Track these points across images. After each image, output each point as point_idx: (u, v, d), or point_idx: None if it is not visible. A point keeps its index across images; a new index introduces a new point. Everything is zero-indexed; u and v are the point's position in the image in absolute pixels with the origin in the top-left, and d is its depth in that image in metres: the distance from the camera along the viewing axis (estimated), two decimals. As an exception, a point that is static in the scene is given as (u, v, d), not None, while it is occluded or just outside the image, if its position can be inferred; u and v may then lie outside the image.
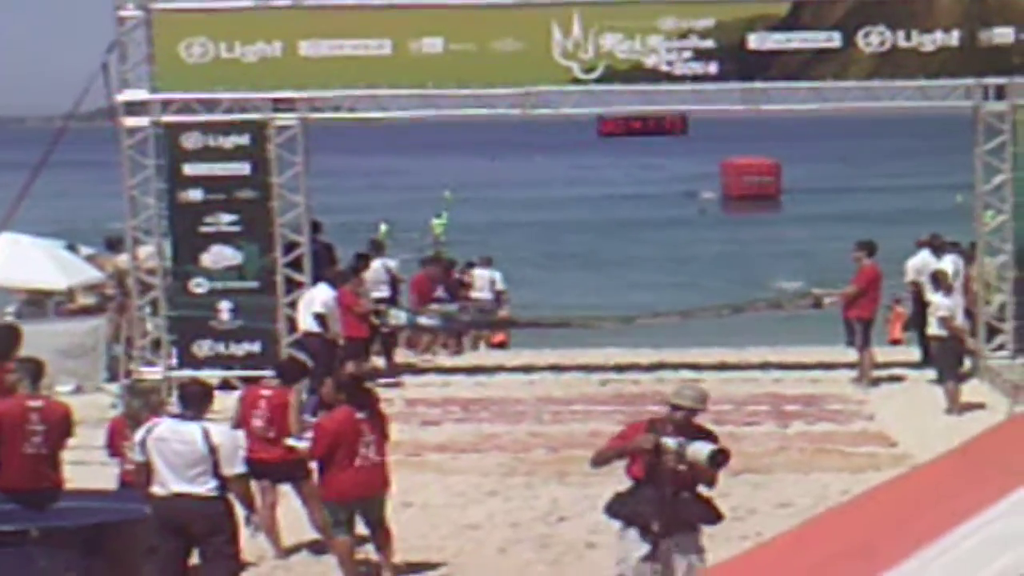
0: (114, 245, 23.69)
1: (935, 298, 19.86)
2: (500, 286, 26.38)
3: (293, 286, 21.29)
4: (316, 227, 22.56)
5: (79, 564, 10.68)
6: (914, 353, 22.54)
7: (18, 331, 13.88)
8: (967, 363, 20.88)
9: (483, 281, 26.28)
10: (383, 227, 54.89)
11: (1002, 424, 7.21)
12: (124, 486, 12.21)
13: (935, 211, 51.97)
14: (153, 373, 20.80)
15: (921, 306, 21.59)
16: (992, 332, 21.45)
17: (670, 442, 10.00)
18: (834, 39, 21.08)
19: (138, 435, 11.31)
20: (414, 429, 18.49)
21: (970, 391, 19.95)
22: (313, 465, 13.02)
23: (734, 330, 25.58)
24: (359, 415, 12.42)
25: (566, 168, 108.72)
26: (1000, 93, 21.19)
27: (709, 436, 10.37)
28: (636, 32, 21.05)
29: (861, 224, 45.88)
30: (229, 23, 21.11)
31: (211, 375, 18.70)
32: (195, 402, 11.42)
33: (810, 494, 15.45)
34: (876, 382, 21.11)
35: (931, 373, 20.69)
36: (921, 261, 22.34)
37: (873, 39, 21.01)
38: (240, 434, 12.15)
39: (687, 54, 21.07)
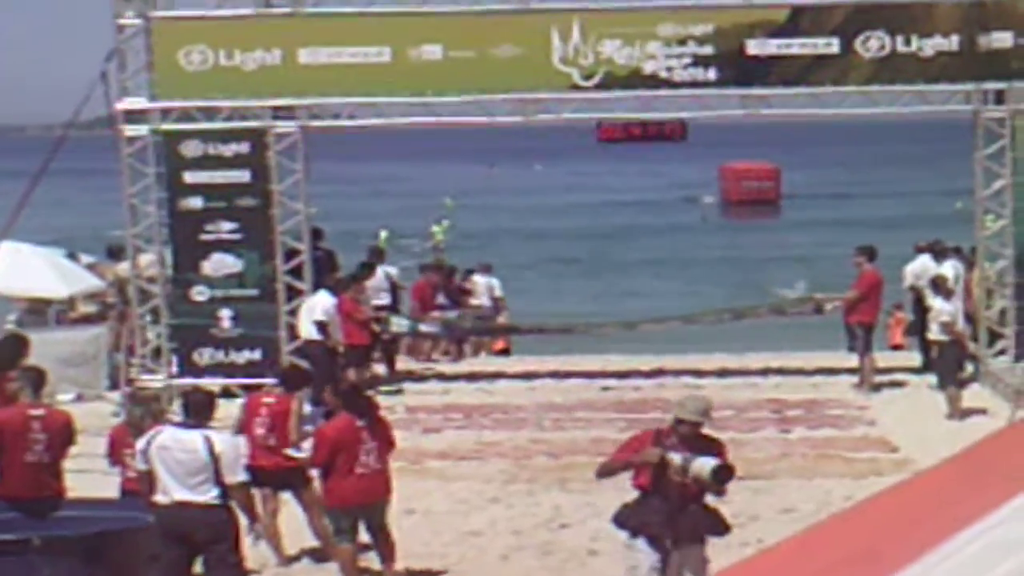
0: (115, 253, 23.69)
1: (936, 303, 19.86)
2: (497, 293, 26.39)
3: (294, 294, 21.30)
4: (318, 234, 22.57)
5: (81, 573, 10.70)
6: (915, 358, 22.53)
7: (25, 340, 13.89)
8: (968, 368, 20.87)
9: (482, 288, 26.30)
10: (383, 234, 54.82)
11: (1004, 430, 7.22)
12: (126, 495, 12.22)
13: (935, 216, 52.02)
14: (154, 381, 20.79)
15: (922, 311, 21.58)
16: (993, 337, 21.45)
17: (675, 457, 9.97)
18: (833, 45, 21.09)
19: (140, 443, 11.31)
20: (415, 436, 18.49)
21: (971, 396, 19.95)
22: (314, 473, 13.03)
23: (735, 336, 25.57)
24: (359, 423, 12.43)
25: (565, 175, 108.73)
26: (999, 98, 21.21)
27: (715, 446, 10.34)
28: (635, 38, 21.06)
29: (861, 229, 45.86)
30: (228, 31, 21.13)
31: (212, 383, 18.69)
32: (198, 410, 11.42)
33: (812, 500, 15.45)
34: (877, 387, 21.11)
35: (932, 378, 20.70)
36: (921, 266, 22.35)
37: (872, 44, 21.02)
38: (242, 441, 12.16)
39: (686, 60, 21.08)
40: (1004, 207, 21.32)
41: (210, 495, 11.05)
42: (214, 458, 11.03)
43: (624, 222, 70.12)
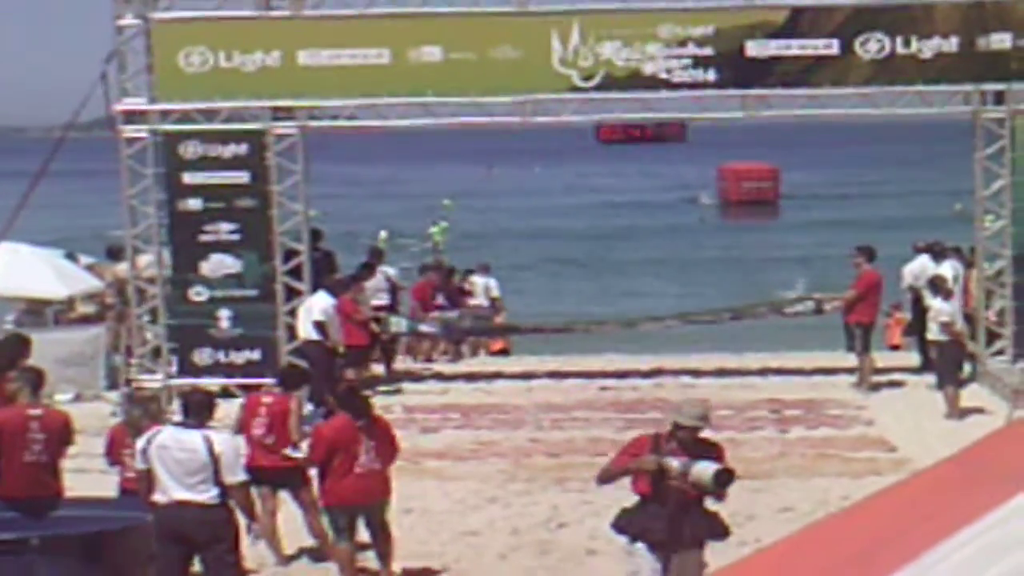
0: (115, 254, 23.71)
1: (935, 303, 19.87)
2: (495, 293, 26.40)
3: (293, 294, 21.30)
4: (316, 235, 22.58)
5: (79, 572, 10.70)
6: (913, 358, 22.55)
7: (26, 341, 13.90)
8: (967, 368, 20.88)
9: (480, 289, 26.31)
10: (383, 234, 54.78)
11: (1002, 429, 7.22)
12: (124, 494, 12.22)
13: (934, 217, 52.03)
14: (153, 381, 20.80)
15: (920, 311, 21.59)
16: (992, 337, 21.47)
17: (674, 463, 9.91)
18: (832, 46, 21.10)
19: (140, 443, 11.32)
20: (414, 436, 18.49)
21: (970, 396, 19.96)
22: (312, 473, 13.04)
23: (733, 336, 25.57)
24: (358, 422, 12.44)
25: (565, 176, 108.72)
26: (999, 99, 21.23)
27: (713, 449, 10.31)
28: (635, 40, 21.07)
29: (861, 230, 45.84)
30: (228, 32, 21.13)
31: (211, 383, 18.71)
32: (198, 410, 11.43)
33: (810, 499, 15.46)
34: (876, 387, 21.13)
35: (930, 378, 20.71)
36: (920, 266, 22.36)
37: (871, 46, 21.03)
38: (241, 441, 12.17)
39: (686, 61, 21.09)
40: (1003, 207, 21.34)
41: (209, 495, 11.06)
42: (213, 458, 11.04)
43: (623, 223, 70.11)
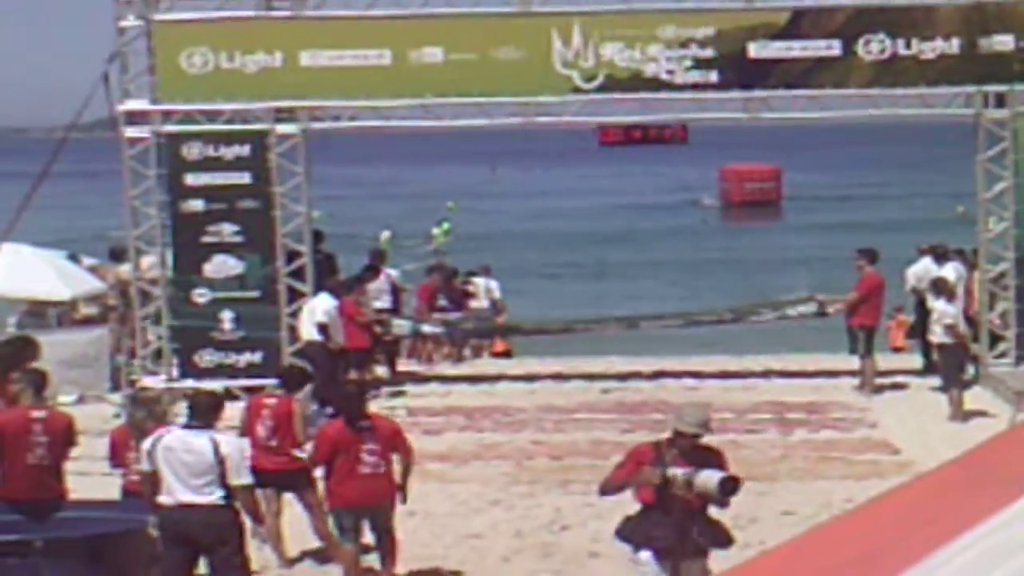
0: (119, 255, 23.71)
1: (939, 305, 19.84)
2: (496, 295, 26.41)
3: (295, 296, 21.30)
4: (318, 237, 22.57)
5: (83, 574, 10.71)
6: (916, 361, 22.54)
7: (31, 343, 13.89)
8: (970, 370, 20.87)
9: (482, 290, 26.33)
10: (386, 234, 54.83)
11: (1006, 432, 7.22)
12: (127, 496, 12.23)
13: (937, 219, 52.03)
14: (155, 383, 20.79)
15: (924, 314, 21.58)
16: (995, 339, 21.46)
17: (678, 473, 9.81)
18: (834, 47, 21.10)
19: (146, 444, 11.30)
20: (416, 438, 18.32)
21: (973, 398, 19.95)
22: (317, 474, 13.04)
23: (736, 338, 25.57)
24: (360, 423, 12.44)
25: (567, 177, 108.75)
26: (1000, 100, 21.22)
27: (715, 456, 10.25)
28: (636, 41, 21.07)
29: (863, 232, 45.86)
30: (230, 33, 21.14)
31: (213, 385, 18.69)
32: (205, 412, 11.42)
33: (813, 502, 15.45)
34: (879, 390, 21.12)
35: (933, 380, 20.70)
36: (923, 268, 22.34)
37: (873, 47, 21.03)
38: (246, 443, 12.17)
39: (687, 63, 21.09)
40: (1005, 209, 21.33)
41: (215, 497, 11.05)
42: (220, 460, 11.03)
43: (625, 225, 70.10)
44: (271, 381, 15.45)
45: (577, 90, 21.24)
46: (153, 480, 11.17)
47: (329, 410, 16.75)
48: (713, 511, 10.26)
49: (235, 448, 11.30)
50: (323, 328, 20.03)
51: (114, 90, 21.27)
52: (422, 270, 30.00)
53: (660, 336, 25.21)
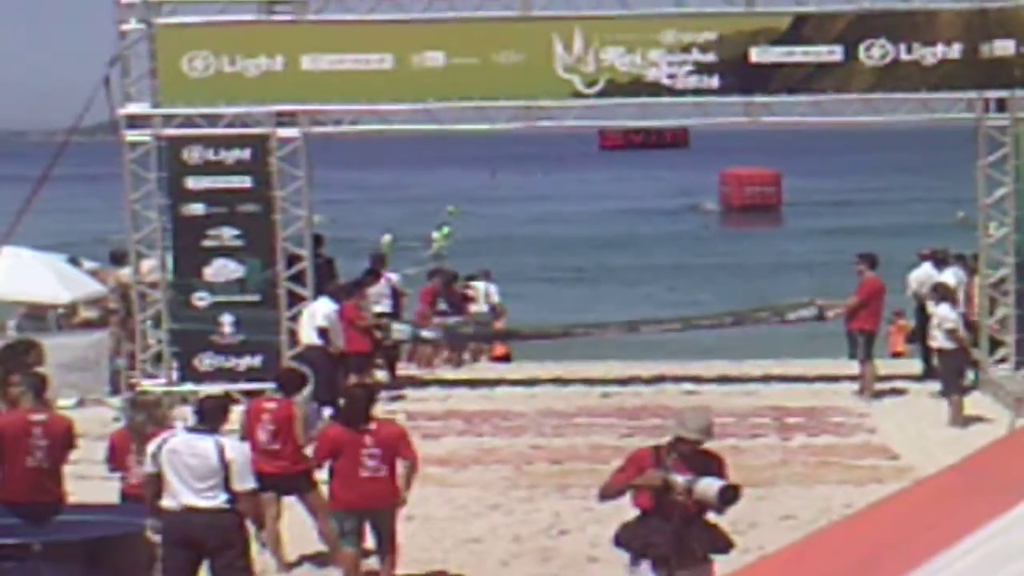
0: (119, 259, 23.72)
1: (940, 310, 19.83)
2: (495, 299, 26.42)
3: (295, 300, 21.30)
4: (318, 241, 22.57)
5: (82, 578, 10.70)
6: (916, 366, 22.53)
7: (36, 346, 13.90)
8: (969, 375, 20.87)
9: (481, 294, 26.33)
10: (387, 237, 54.81)
11: (1005, 438, 7.21)
12: (126, 499, 12.22)
13: (937, 224, 52.05)
14: (155, 386, 20.79)
15: (924, 319, 21.57)
16: (994, 345, 21.46)
17: (678, 479, 9.78)
18: (836, 52, 21.10)
19: (151, 446, 11.30)
20: (416, 442, 18.35)
21: (972, 404, 19.94)
22: (320, 476, 13.05)
23: (735, 343, 25.56)
24: (364, 426, 12.44)
25: (567, 182, 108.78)
26: (1002, 106, 21.22)
27: (715, 462, 10.20)
28: (638, 46, 21.07)
29: (863, 237, 45.88)
30: (231, 37, 21.15)
31: (213, 389, 18.69)
32: (211, 416, 11.42)
33: (813, 507, 15.45)
34: (878, 395, 21.11)
35: (933, 386, 20.70)
36: (924, 274, 22.34)
37: (875, 52, 21.03)
38: (248, 447, 12.18)
39: (688, 67, 21.09)
40: (1006, 215, 21.33)
41: (219, 500, 11.05)
42: (224, 464, 11.03)
43: (626, 230, 70.11)
44: (271, 385, 15.43)
45: (578, 94, 21.25)
46: (156, 483, 11.16)
47: (327, 411, 16.77)
48: (711, 515, 10.24)
49: (240, 453, 11.30)
50: (323, 332, 20.03)
51: (115, 93, 21.29)
52: (423, 274, 30.01)
53: (660, 341, 25.23)
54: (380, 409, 14.51)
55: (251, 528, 11.42)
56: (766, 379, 22.64)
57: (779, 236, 66.60)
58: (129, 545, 11.23)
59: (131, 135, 21.34)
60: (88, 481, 13.79)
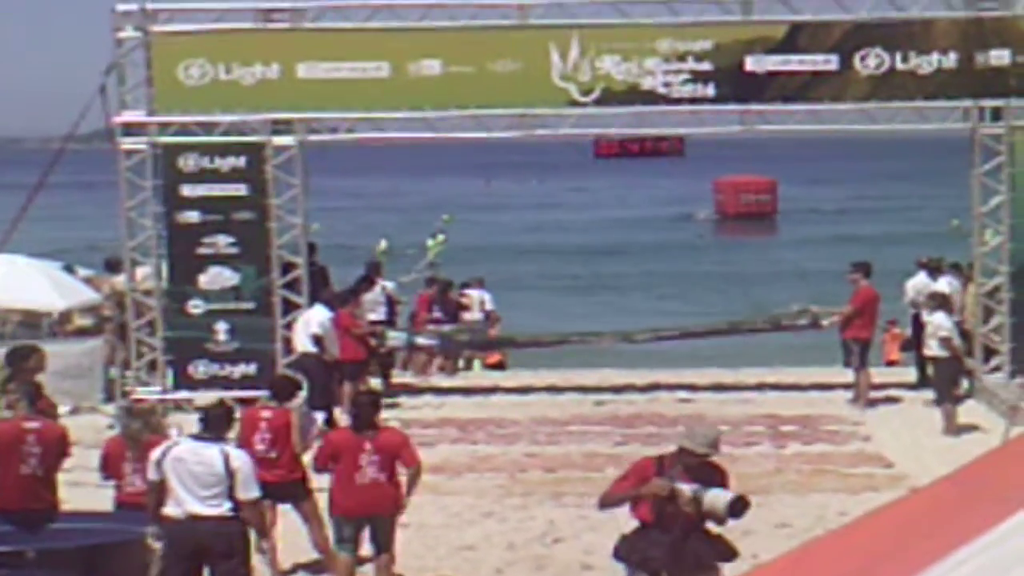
0: (114, 266, 23.71)
1: (935, 318, 19.84)
2: (489, 306, 26.43)
3: (290, 307, 21.29)
4: (311, 249, 22.56)
5: (75, 586, 10.68)
6: (911, 374, 22.54)
7: (39, 352, 13.84)
8: (964, 384, 20.88)
9: (476, 302, 26.35)
10: (383, 243, 54.70)
11: (1000, 448, 7.22)
12: (120, 507, 12.20)
13: (933, 233, 52.04)
14: (150, 394, 20.76)
15: (919, 327, 21.59)
16: (989, 353, 21.47)
17: (686, 489, 9.71)
18: (831, 61, 21.12)
19: (155, 454, 11.29)
20: (411, 450, 18.46)
21: (966, 412, 19.96)
22: (316, 484, 13.04)
23: (730, 351, 25.55)
24: (359, 433, 12.44)
25: (563, 190, 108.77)
26: (997, 115, 21.24)
27: (718, 474, 10.16)
28: (634, 54, 21.09)
29: (858, 245, 45.88)
30: (227, 45, 21.14)
31: (207, 396, 18.69)
32: (216, 424, 11.42)
33: (807, 515, 15.45)
34: (873, 403, 21.11)
35: (927, 394, 20.71)
36: (921, 282, 22.37)
37: (870, 61, 21.05)
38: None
39: (684, 76, 21.10)
40: (1001, 223, 21.35)
41: (223, 508, 11.04)
42: (230, 473, 11.02)
43: (621, 238, 70.09)
44: (265, 393, 15.42)
45: (574, 103, 21.26)
46: (159, 490, 11.15)
47: (320, 417, 16.77)
48: (710, 524, 10.22)
49: (245, 462, 11.29)
50: (318, 340, 20.02)
51: (111, 101, 21.27)
52: (418, 281, 30.00)
53: (654, 349, 25.20)
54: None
55: (252, 536, 11.41)
56: (761, 387, 22.65)
57: (774, 244, 66.56)
58: (124, 553, 11.21)
59: (127, 143, 21.33)
60: (82, 488, 13.77)
